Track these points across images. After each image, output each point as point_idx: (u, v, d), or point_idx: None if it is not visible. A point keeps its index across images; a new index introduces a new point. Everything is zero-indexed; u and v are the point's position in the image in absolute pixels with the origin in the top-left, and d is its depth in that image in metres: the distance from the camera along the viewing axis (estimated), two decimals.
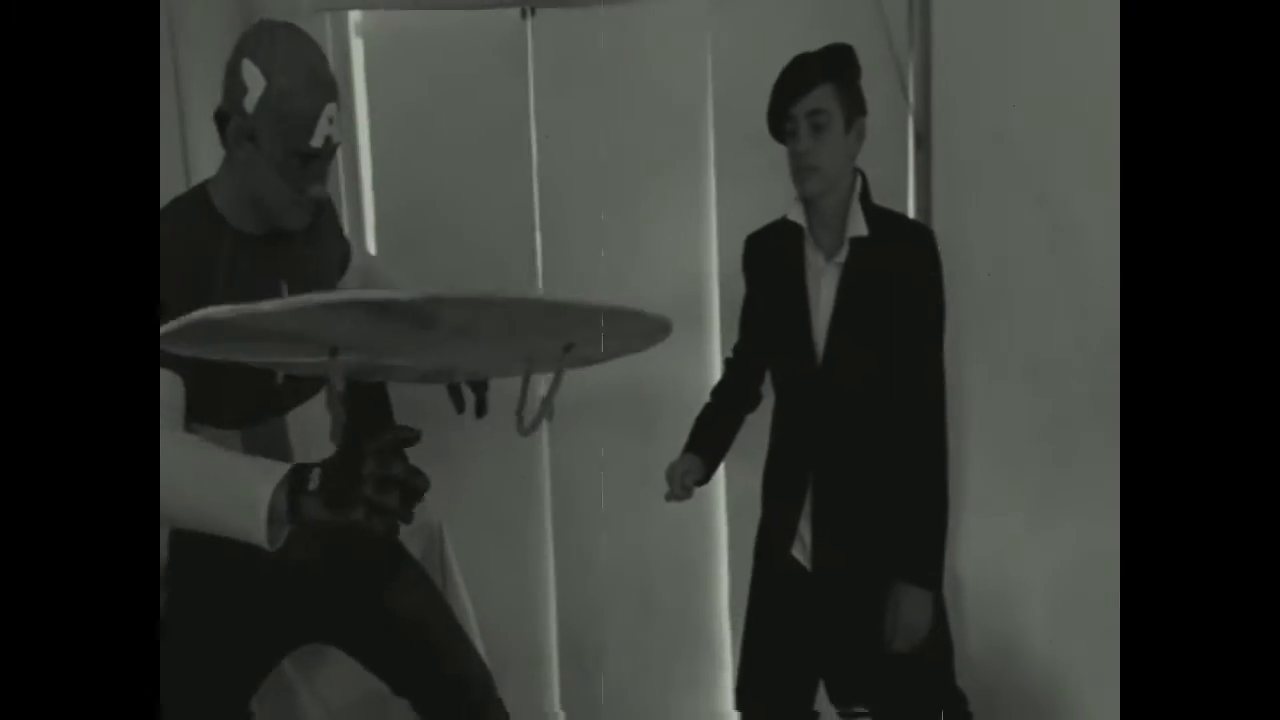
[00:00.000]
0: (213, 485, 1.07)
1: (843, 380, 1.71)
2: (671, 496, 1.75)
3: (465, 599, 2.30)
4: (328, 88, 1.38)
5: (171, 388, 1.29)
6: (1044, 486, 2.21)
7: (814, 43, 2.21)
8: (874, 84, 2.16)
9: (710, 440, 1.86)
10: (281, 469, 1.05)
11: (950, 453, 2.22)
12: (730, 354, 1.95)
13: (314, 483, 1.01)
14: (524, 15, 2.41)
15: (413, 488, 1.01)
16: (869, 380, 1.71)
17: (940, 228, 2.18)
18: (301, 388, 1.58)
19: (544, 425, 2.57)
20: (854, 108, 1.70)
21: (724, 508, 2.50)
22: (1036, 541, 2.23)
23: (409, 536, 2.20)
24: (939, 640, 1.75)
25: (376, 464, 0.98)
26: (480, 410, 1.65)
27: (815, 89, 1.65)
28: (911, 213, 2.24)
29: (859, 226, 1.69)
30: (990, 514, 2.25)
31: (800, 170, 1.68)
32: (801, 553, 1.79)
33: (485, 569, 2.51)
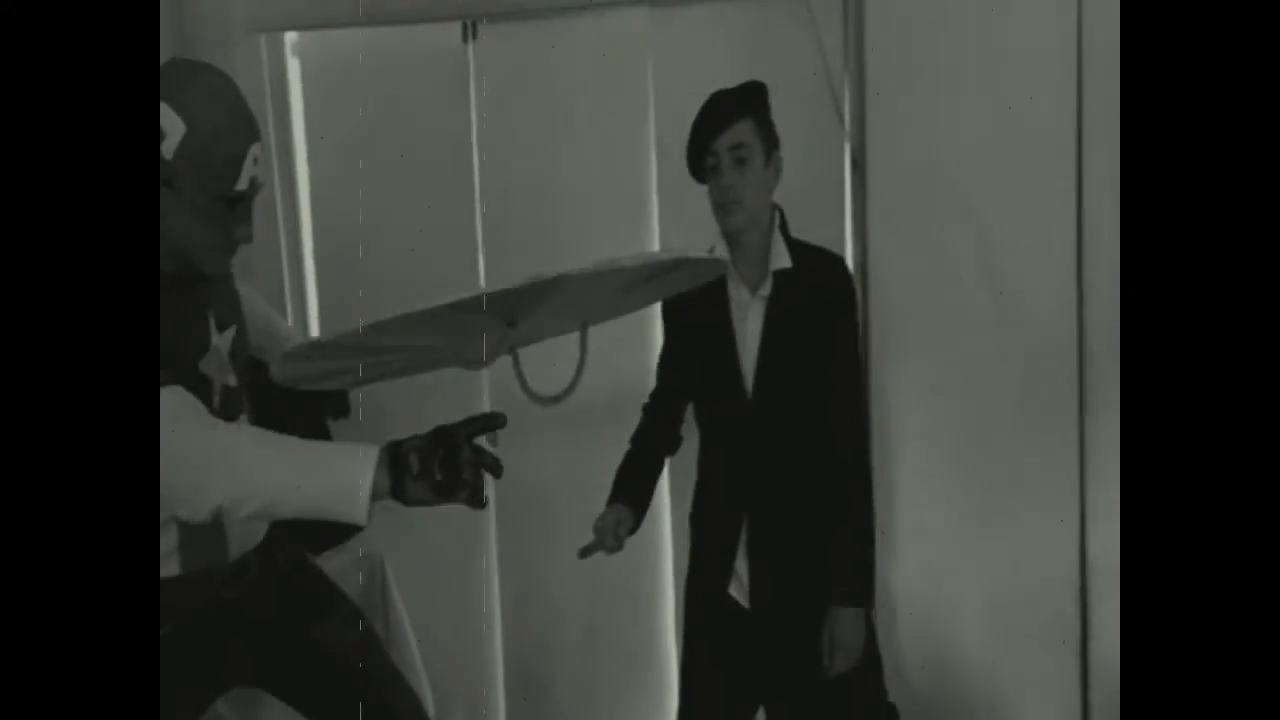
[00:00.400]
0: (309, 473, 1.13)
1: (773, 413, 1.72)
2: (603, 549, 1.72)
3: (408, 631, 2.25)
4: (250, 127, 1.34)
5: (186, 395, 1.28)
6: (979, 501, 2.26)
7: (751, 62, 2.25)
8: (811, 109, 2.22)
9: (636, 489, 1.84)
10: (373, 452, 1.12)
11: (888, 469, 2.29)
12: (648, 401, 1.92)
13: (415, 468, 1.10)
14: (465, 35, 2.40)
15: (497, 469, 1.12)
16: (798, 410, 1.72)
17: (875, 249, 2.24)
18: (229, 411, 1.54)
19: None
20: (771, 142, 1.73)
21: (669, 535, 2.50)
22: (972, 555, 2.27)
23: (350, 569, 2.16)
24: (868, 655, 1.76)
25: (471, 449, 1.09)
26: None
27: (736, 123, 1.67)
28: (848, 235, 2.28)
29: (782, 258, 1.72)
30: (927, 528, 2.29)
31: (725, 205, 1.68)
32: (739, 591, 1.78)
33: (430, 599, 2.46)
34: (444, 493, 1.10)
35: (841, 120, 2.24)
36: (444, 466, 1.10)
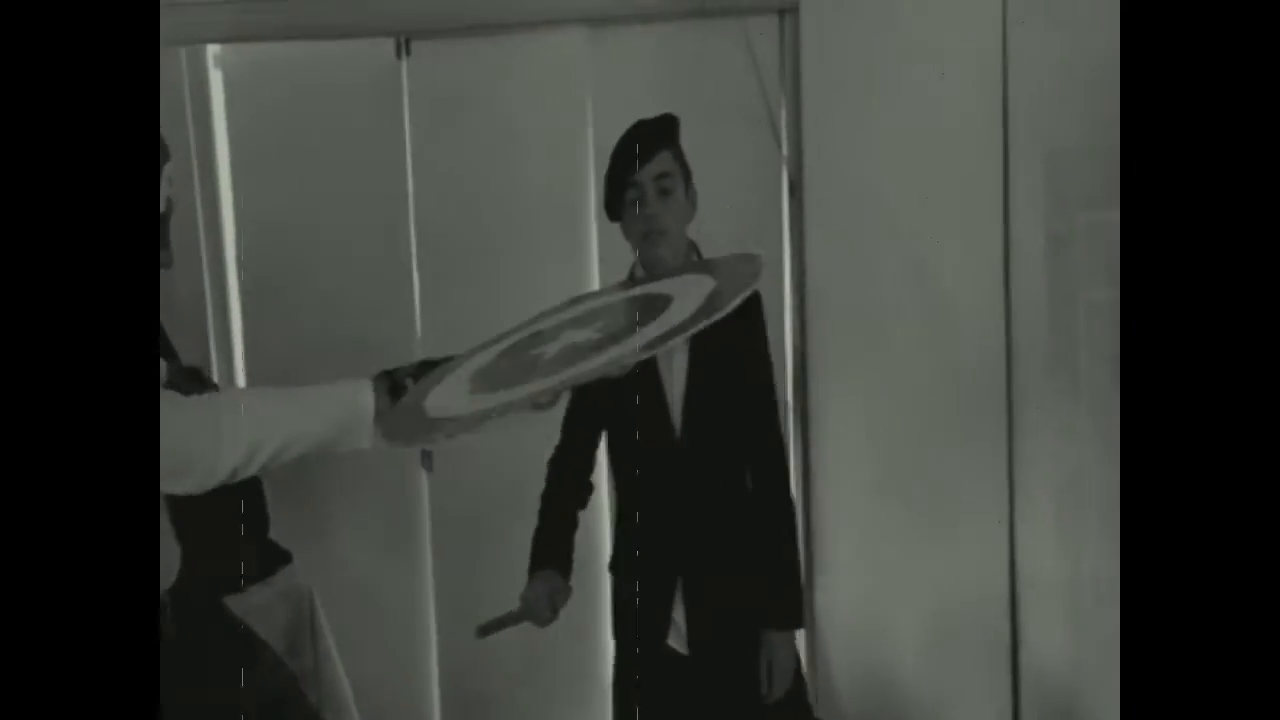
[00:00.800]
0: (314, 411, 1.25)
1: (701, 448, 1.70)
2: (533, 621, 1.65)
3: (338, 664, 2.18)
4: (161, 148, 1.31)
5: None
6: (911, 516, 2.30)
7: (689, 84, 2.27)
8: (748, 131, 2.25)
9: (560, 551, 1.76)
10: (365, 381, 1.28)
11: (822, 485, 2.31)
12: (555, 455, 1.82)
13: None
14: (399, 52, 2.35)
15: None
16: (724, 443, 1.71)
17: (813, 269, 2.27)
18: None
19: (423, 474, 2.51)
20: (688, 173, 1.73)
21: (607, 554, 2.47)
22: (904, 569, 2.31)
23: (276, 603, 2.09)
24: (796, 675, 1.77)
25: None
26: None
27: (659, 153, 1.66)
28: (786, 256, 2.31)
29: None
30: (860, 543, 2.32)
31: (651, 235, 1.65)
32: (677, 639, 1.74)
33: (363, 629, 2.40)
34: None
35: (779, 142, 2.27)
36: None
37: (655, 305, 1.31)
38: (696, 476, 1.70)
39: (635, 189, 1.65)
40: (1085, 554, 2.27)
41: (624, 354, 1.18)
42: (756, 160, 2.26)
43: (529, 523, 2.28)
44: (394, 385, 1.30)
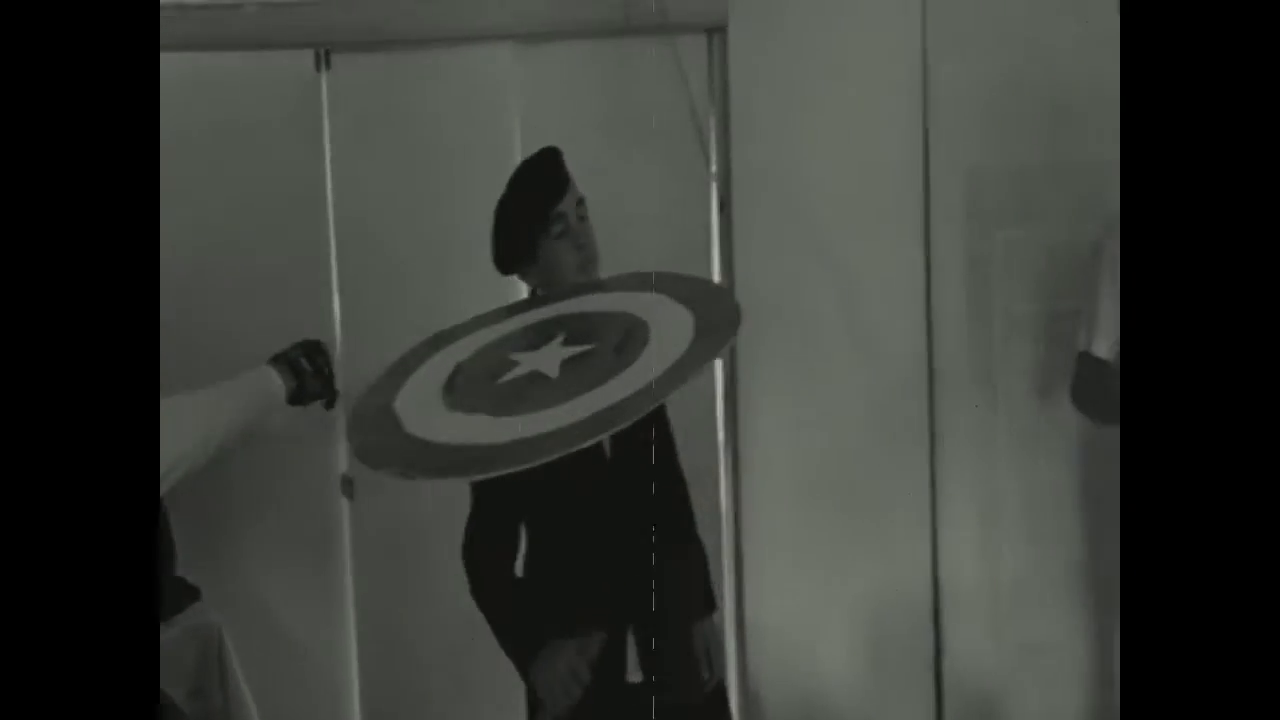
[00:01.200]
0: (235, 398, 1.49)
1: (629, 474, 1.63)
2: (570, 700, 1.46)
3: (248, 703, 2.08)
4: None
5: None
6: (837, 528, 2.34)
7: (618, 101, 2.28)
8: (678, 149, 2.27)
9: (534, 620, 1.60)
10: (263, 367, 1.56)
11: (750, 499, 2.33)
12: (481, 519, 1.62)
13: (307, 366, 1.58)
14: (319, 64, 2.29)
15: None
16: (645, 464, 1.65)
17: (741, 286, 2.29)
18: None
19: (343, 501, 2.41)
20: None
21: None
22: (831, 579, 2.35)
23: (184, 641, 2.00)
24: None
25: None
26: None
27: (568, 181, 1.65)
28: (715, 272, 2.33)
29: None
30: (788, 556, 2.35)
31: (587, 264, 1.63)
32: (632, 669, 1.64)
33: (278, 662, 2.30)
34: (328, 385, 1.60)
35: (707, 160, 2.30)
36: (317, 363, 1.58)
37: (627, 329, 1.32)
38: (623, 498, 1.63)
39: (560, 221, 1.61)
40: (1003, 562, 2.35)
41: (642, 402, 1.19)
42: (686, 177, 2.28)
43: (457, 548, 2.19)
44: (291, 363, 1.56)
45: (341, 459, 2.39)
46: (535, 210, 1.62)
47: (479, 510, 1.60)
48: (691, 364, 1.23)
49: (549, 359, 1.38)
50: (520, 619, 1.57)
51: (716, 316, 1.39)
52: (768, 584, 2.36)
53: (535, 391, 1.32)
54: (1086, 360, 1.90)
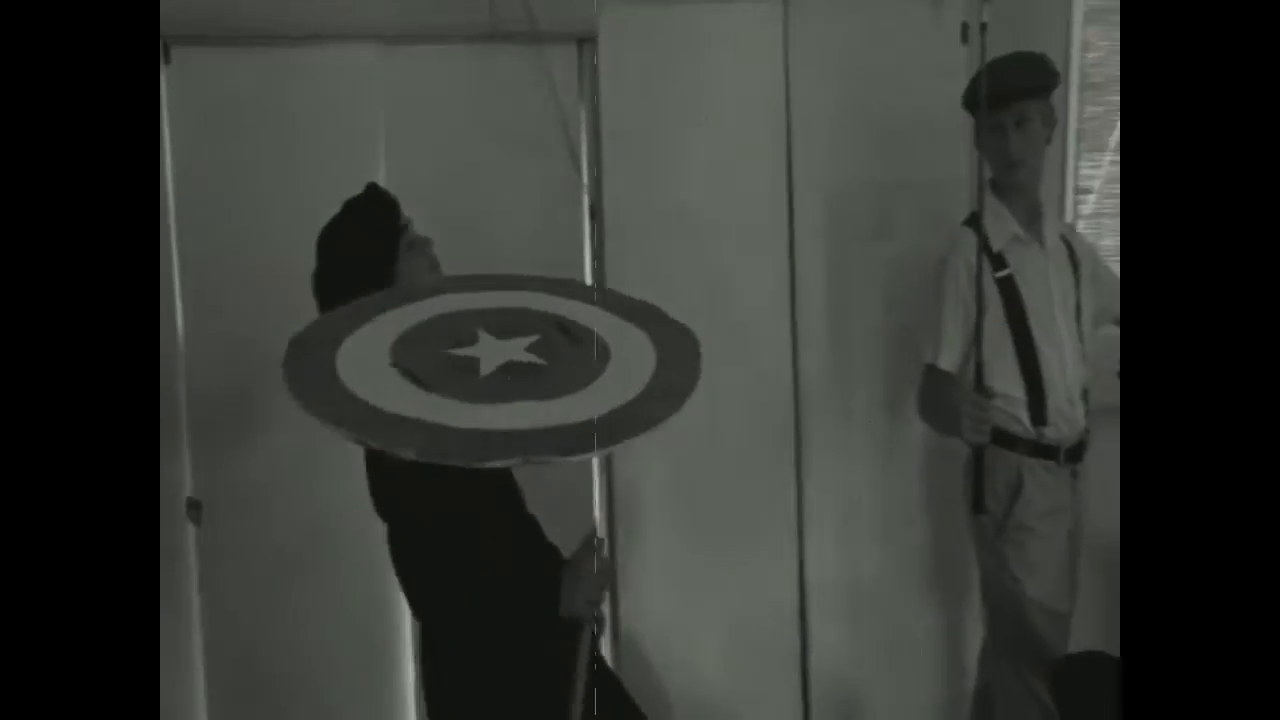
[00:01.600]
0: None
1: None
2: (598, 599, 1.45)
3: None
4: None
5: None
6: (709, 541, 2.37)
7: (486, 106, 2.21)
8: (548, 156, 2.23)
9: (546, 555, 1.61)
10: None
11: (627, 516, 2.33)
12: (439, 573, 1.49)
13: None
14: (161, 58, 2.11)
15: None
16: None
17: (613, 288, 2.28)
18: None
19: (189, 527, 2.25)
20: None
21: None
22: (705, 589, 2.38)
23: None
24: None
25: None
26: None
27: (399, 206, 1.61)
28: (588, 279, 2.31)
29: None
30: (664, 568, 2.37)
31: (433, 270, 1.59)
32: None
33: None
34: None
35: (578, 168, 2.27)
36: None
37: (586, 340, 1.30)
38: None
39: (408, 231, 1.57)
40: (863, 563, 2.44)
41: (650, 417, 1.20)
42: (557, 184, 2.25)
43: (309, 577, 2.07)
44: None
45: (187, 482, 2.24)
46: (388, 222, 1.56)
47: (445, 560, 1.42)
48: (670, 400, 1.24)
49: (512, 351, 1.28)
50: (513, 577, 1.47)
51: (674, 343, 1.44)
52: (642, 594, 2.36)
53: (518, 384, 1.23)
54: (932, 372, 1.95)
